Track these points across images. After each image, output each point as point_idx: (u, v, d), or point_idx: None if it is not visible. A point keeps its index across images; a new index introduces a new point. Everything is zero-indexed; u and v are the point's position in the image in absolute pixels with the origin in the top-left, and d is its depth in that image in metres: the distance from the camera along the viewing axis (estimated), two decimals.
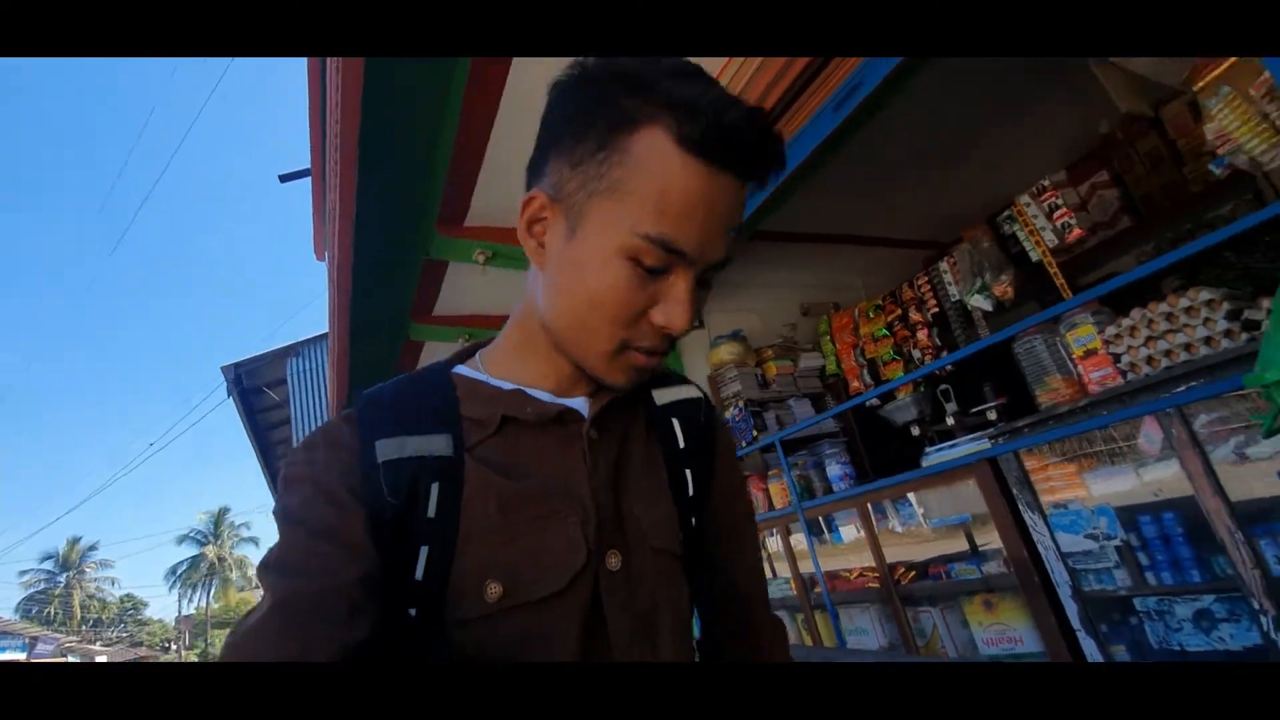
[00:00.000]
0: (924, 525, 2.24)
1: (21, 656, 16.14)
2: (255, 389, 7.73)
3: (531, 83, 1.95)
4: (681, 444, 0.61)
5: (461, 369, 0.58)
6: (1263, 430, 0.85)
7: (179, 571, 29.60)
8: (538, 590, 0.48)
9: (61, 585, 30.05)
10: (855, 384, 3.29)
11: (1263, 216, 1.27)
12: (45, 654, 17.22)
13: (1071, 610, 1.67)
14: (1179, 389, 1.44)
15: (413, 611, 0.46)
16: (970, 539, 2.08)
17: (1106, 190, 3.19)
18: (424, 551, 0.47)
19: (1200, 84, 1.88)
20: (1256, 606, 1.34)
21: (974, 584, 1.98)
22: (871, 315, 3.33)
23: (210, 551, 29.95)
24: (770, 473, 2.84)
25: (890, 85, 1.91)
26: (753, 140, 0.46)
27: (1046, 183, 2.55)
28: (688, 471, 0.60)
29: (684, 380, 0.66)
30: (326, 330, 3.80)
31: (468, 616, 0.46)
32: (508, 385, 0.55)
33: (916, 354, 3.11)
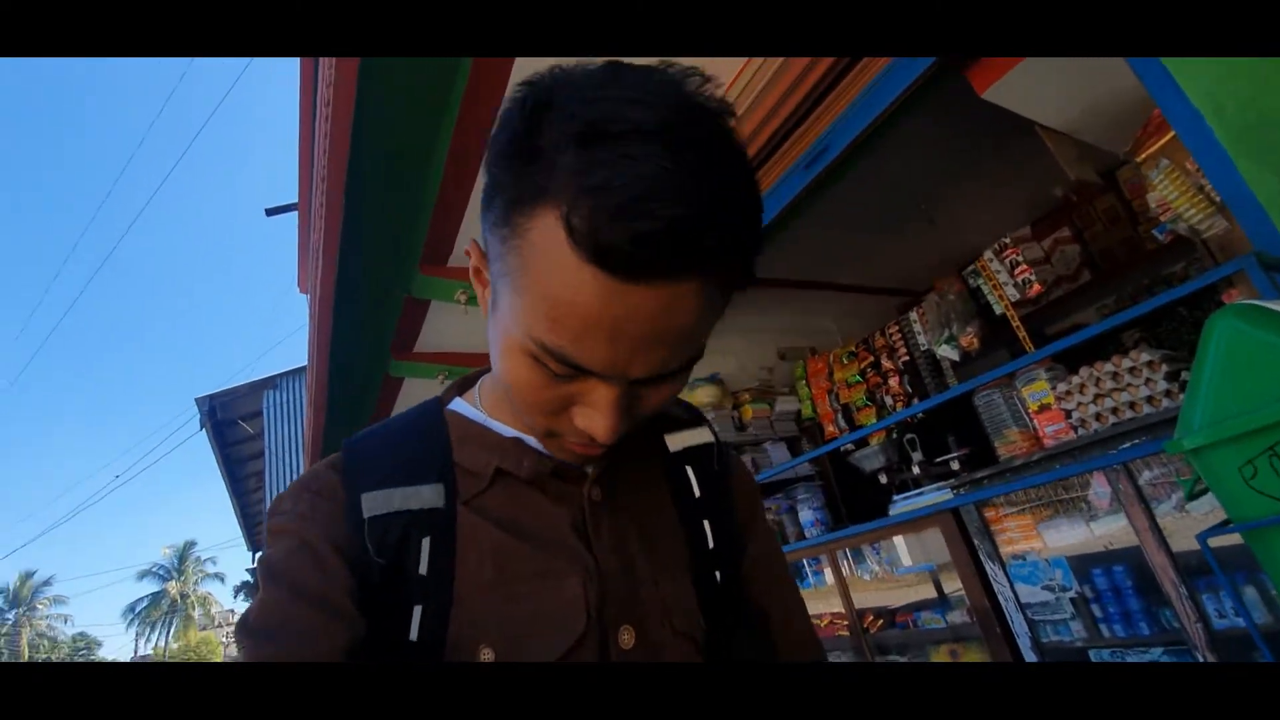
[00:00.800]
0: (893, 572, 2.26)
1: None
2: (230, 421, 7.64)
3: None
4: (697, 493, 0.55)
5: (459, 405, 0.53)
6: (1185, 495, 0.90)
7: (138, 609, 28.39)
8: (531, 659, 0.43)
9: (10, 623, 28.68)
10: (830, 428, 3.34)
11: (1180, 293, 1.35)
12: None
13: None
14: (1125, 445, 1.51)
15: None
16: (938, 586, 2.11)
17: (1068, 245, 3.35)
18: (418, 611, 0.43)
19: (1142, 156, 2.01)
20: (1201, 660, 1.38)
21: (940, 633, 2.00)
22: (845, 361, 3.40)
23: (173, 588, 28.78)
24: None
25: (857, 148, 2.01)
26: (680, 242, 0.32)
27: (1008, 240, 2.66)
28: (706, 523, 0.54)
29: (696, 420, 0.59)
30: (305, 363, 3.80)
31: None
32: (508, 431, 0.50)
33: (889, 400, 3.17)
